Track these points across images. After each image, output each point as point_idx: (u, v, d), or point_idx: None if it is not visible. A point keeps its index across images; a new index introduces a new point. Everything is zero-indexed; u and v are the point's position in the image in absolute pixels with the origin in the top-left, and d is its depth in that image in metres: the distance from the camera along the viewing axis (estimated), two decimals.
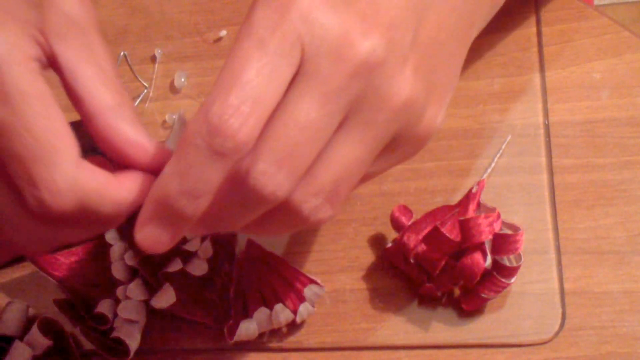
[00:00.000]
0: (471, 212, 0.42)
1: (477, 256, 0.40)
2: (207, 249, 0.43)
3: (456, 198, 0.44)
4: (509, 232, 0.41)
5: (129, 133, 0.30)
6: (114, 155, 0.30)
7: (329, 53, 0.28)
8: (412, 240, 0.41)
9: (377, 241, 0.45)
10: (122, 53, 0.49)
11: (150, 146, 0.30)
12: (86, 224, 0.30)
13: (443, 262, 0.41)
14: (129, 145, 0.30)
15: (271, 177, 0.28)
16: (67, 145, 0.28)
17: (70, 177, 0.28)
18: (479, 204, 0.42)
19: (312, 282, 0.42)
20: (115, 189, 0.29)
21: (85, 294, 0.44)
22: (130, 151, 0.30)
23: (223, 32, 0.50)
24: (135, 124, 0.30)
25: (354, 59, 0.28)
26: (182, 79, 0.49)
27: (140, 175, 0.30)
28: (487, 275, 0.41)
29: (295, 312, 0.42)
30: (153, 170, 0.30)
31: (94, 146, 0.32)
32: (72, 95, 0.30)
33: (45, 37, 0.29)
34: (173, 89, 0.49)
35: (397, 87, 0.29)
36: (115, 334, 0.42)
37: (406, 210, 0.43)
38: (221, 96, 0.27)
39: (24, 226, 0.29)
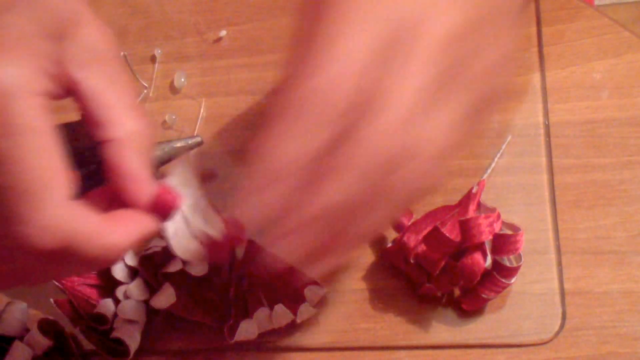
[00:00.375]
0: (471, 212, 0.42)
1: (477, 256, 0.40)
2: None
3: (456, 198, 0.44)
4: (509, 232, 0.41)
5: (133, 166, 0.31)
6: (113, 181, 0.31)
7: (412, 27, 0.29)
8: (412, 240, 0.41)
9: (377, 241, 0.45)
10: (122, 53, 0.49)
11: (149, 184, 0.31)
12: (77, 263, 0.30)
13: (443, 263, 0.41)
14: (129, 179, 0.31)
15: (416, 126, 0.29)
16: (59, 185, 0.28)
17: (56, 217, 0.28)
18: (479, 204, 0.42)
19: (312, 282, 0.42)
20: (106, 235, 0.29)
21: (85, 294, 0.44)
22: (129, 185, 0.31)
23: (223, 32, 0.50)
24: (143, 158, 0.31)
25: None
26: (182, 79, 0.49)
27: (136, 218, 0.31)
28: (487, 275, 0.41)
29: (295, 312, 0.42)
30: (147, 208, 0.31)
31: (91, 147, 0.32)
32: (92, 121, 0.31)
33: (64, 67, 0.30)
34: (173, 89, 0.49)
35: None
36: (115, 334, 0.42)
37: (406, 210, 0.43)
38: (332, 61, 0.28)
39: (20, 259, 0.29)
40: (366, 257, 0.44)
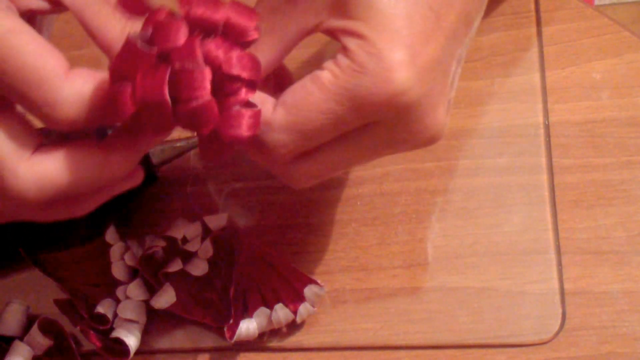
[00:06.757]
0: None
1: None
2: (207, 249, 0.43)
3: (456, 198, 0.44)
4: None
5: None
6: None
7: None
8: None
9: (377, 241, 0.45)
10: None
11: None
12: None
13: None
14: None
15: None
16: (50, 63, 0.30)
17: (66, 90, 0.30)
18: None
19: (312, 282, 0.42)
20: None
21: (85, 294, 0.44)
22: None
23: None
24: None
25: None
26: None
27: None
28: None
29: (295, 312, 0.42)
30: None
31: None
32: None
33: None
34: None
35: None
36: (115, 334, 0.43)
37: None
38: None
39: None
40: (366, 257, 0.44)
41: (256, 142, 0.32)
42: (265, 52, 0.32)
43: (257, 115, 0.31)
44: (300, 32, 0.32)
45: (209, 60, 0.29)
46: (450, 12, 0.32)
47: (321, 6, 0.31)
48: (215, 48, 0.29)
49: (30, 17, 0.33)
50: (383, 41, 0.30)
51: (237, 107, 0.30)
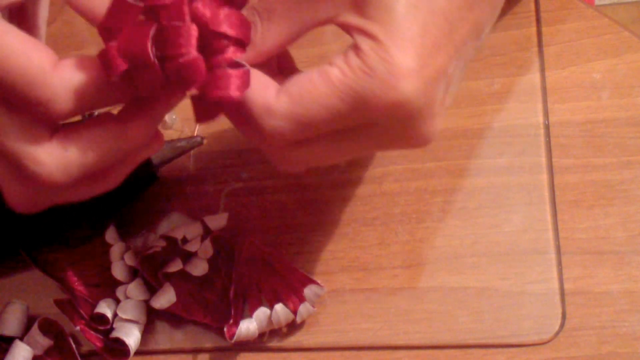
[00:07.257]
0: None
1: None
2: (207, 249, 0.43)
3: (456, 198, 0.44)
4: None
5: None
6: None
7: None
8: None
9: (377, 241, 0.45)
10: None
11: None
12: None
13: None
14: None
15: None
16: (34, 60, 0.30)
17: (55, 84, 0.30)
18: None
19: (312, 282, 0.42)
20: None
21: (85, 294, 0.44)
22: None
23: None
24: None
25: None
26: None
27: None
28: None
29: (295, 312, 0.42)
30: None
31: None
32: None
33: None
34: None
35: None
36: (115, 334, 0.43)
37: None
38: None
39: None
40: (366, 257, 0.44)
41: (255, 125, 0.32)
42: (276, 34, 0.32)
43: (245, 75, 0.30)
44: (314, 20, 0.32)
45: (196, 18, 0.29)
46: (464, 25, 0.32)
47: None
48: (203, 6, 0.30)
49: (21, 9, 0.33)
50: (396, 48, 0.30)
51: (224, 67, 0.30)
